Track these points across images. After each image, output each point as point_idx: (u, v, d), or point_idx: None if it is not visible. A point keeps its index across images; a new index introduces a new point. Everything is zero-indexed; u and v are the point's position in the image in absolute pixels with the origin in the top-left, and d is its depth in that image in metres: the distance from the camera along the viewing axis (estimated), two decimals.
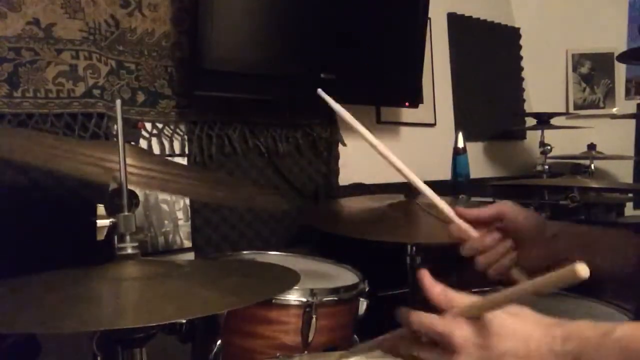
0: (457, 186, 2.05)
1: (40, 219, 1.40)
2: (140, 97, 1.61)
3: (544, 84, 3.05)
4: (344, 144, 2.07)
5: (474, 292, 0.66)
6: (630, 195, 2.92)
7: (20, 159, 1.09)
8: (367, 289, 1.32)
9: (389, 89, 2.11)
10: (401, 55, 2.10)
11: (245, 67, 1.67)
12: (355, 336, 1.32)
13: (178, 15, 1.66)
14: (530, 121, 2.72)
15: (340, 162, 2.08)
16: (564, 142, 2.62)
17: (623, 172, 3.05)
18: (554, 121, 2.58)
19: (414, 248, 1.56)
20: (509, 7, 2.93)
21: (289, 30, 1.77)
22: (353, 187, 2.09)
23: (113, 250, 0.84)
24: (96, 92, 1.46)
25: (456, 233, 0.87)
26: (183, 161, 1.67)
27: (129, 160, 0.85)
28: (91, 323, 0.68)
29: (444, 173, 2.10)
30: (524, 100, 3.01)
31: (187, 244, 1.67)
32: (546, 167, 2.51)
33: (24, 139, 1.12)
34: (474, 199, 2.02)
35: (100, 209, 0.83)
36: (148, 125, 1.62)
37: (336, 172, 2.07)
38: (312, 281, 1.27)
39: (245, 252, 1.60)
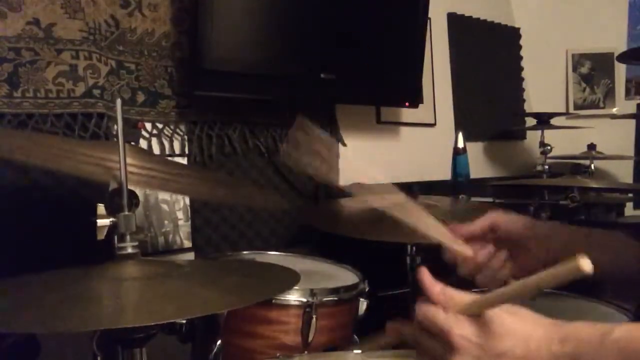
0: (457, 186, 2.05)
1: (40, 219, 1.40)
2: (140, 97, 1.61)
3: (544, 84, 3.05)
4: (344, 144, 2.07)
5: (474, 292, 0.66)
6: (630, 195, 2.92)
7: (20, 159, 1.09)
8: (367, 289, 1.32)
9: (389, 89, 2.11)
10: (401, 55, 2.10)
11: (245, 67, 1.67)
12: (355, 336, 1.32)
13: (178, 15, 1.66)
14: (530, 121, 2.72)
15: (340, 162, 2.08)
16: (564, 142, 2.62)
17: (623, 172, 3.05)
18: (554, 121, 2.58)
19: (414, 248, 1.56)
20: (509, 7, 2.93)
21: (289, 30, 1.77)
22: (353, 187, 2.08)
23: (113, 249, 0.84)
24: (96, 92, 1.46)
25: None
26: (183, 161, 1.67)
27: (129, 160, 0.85)
28: (91, 323, 0.68)
29: (444, 173, 2.09)
30: (524, 100, 3.01)
31: (187, 244, 1.67)
32: (546, 167, 2.51)
33: (24, 139, 1.12)
34: (474, 199, 2.02)
35: (101, 208, 0.83)
36: (148, 126, 1.62)
37: (335, 177, 2.07)
38: (312, 281, 1.27)
39: (245, 252, 1.60)
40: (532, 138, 2.90)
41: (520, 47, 2.98)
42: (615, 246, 0.95)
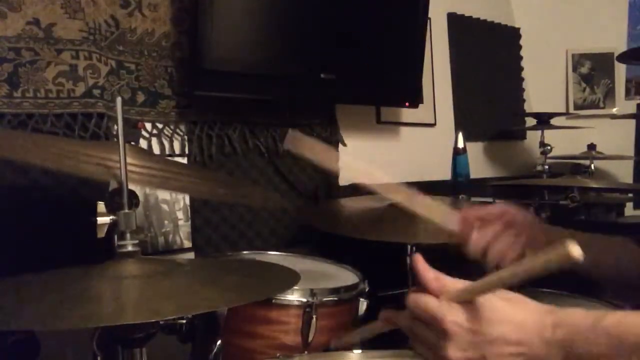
0: (457, 186, 2.05)
1: (40, 219, 1.39)
2: (140, 97, 1.61)
3: (544, 84, 3.05)
4: (344, 144, 2.07)
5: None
6: (630, 195, 2.92)
7: (20, 159, 1.09)
8: (367, 289, 1.32)
9: (389, 89, 2.11)
10: (401, 55, 2.10)
11: (245, 67, 1.67)
12: None
13: (178, 15, 1.66)
14: (530, 121, 2.72)
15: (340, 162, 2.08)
16: (564, 142, 2.62)
17: (623, 172, 3.05)
18: (554, 121, 2.58)
19: (414, 248, 1.56)
20: (509, 7, 2.93)
21: (289, 30, 1.77)
22: (353, 187, 2.09)
23: (113, 247, 0.84)
24: (96, 92, 1.46)
25: (456, 239, 0.89)
26: (183, 161, 1.67)
27: (129, 160, 0.85)
28: (91, 320, 0.68)
29: (444, 173, 2.09)
30: (524, 100, 3.01)
31: (187, 244, 1.67)
32: (546, 167, 2.51)
33: (24, 139, 1.12)
34: (474, 199, 2.02)
35: (101, 206, 0.83)
36: (148, 126, 1.62)
37: (336, 172, 2.07)
38: (312, 281, 1.27)
39: (245, 252, 1.60)
40: (532, 138, 2.90)
41: (520, 47, 2.98)
42: (616, 251, 0.96)
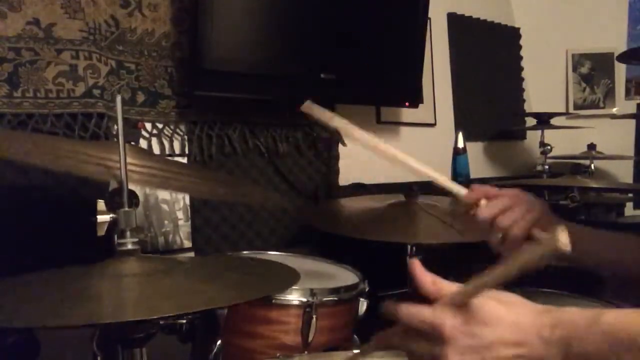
0: None
1: (40, 219, 1.39)
2: (140, 97, 1.61)
3: (544, 84, 3.05)
4: (344, 144, 2.07)
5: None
6: (630, 195, 2.92)
7: (20, 159, 1.09)
8: (367, 289, 1.32)
9: (389, 89, 2.11)
10: (401, 55, 2.10)
11: (245, 67, 1.67)
12: (355, 336, 1.32)
13: (178, 15, 1.67)
14: (530, 121, 2.72)
15: (340, 162, 2.08)
16: (564, 142, 2.62)
17: (623, 172, 3.05)
18: (554, 121, 2.58)
19: (414, 248, 1.56)
20: (509, 7, 2.94)
21: (289, 30, 1.77)
22: (353, 187, 2.09)
23: (113, 246, 0.84)
24: (96, 92, 1.46)
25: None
26: (183, 161, 1.67)
27: (129, 159, 0.85)
28: (92, 318, 0.68)
29: (444, 173, 2.07)
30: (524, 100, 3.01)
31: (187, 244, 1.67)
32: (546, 167, 2.51)
33: (24, 139, 1.12)
34: None
35: (101, 204, 0.83)
36: (148, 126, 1.62)
37: (336, 172, 2.07)
38: (312, 281, 1.27)
39: (245, 252, 1.60)
40: (532, 138, 2.90)
41: (520, 47, 2.98)
42: (621, 245, 0.96)
